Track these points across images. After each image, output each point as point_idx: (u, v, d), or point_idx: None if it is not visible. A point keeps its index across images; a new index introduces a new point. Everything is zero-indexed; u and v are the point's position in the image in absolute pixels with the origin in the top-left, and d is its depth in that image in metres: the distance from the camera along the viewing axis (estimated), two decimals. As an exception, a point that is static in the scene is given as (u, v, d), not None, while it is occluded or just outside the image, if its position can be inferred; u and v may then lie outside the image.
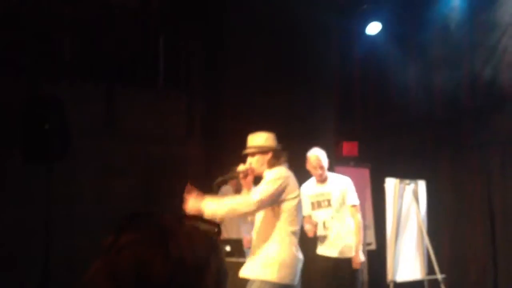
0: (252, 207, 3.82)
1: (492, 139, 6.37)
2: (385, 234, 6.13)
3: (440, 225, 6.64)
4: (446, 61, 6.73)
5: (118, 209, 5.69)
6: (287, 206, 3.94)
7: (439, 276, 5.87)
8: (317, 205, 5.29)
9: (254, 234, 4.08)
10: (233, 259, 5.13)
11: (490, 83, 6.46)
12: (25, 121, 5.30)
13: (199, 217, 1.04)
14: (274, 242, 3.90)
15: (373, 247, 6.97)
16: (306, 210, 5.27)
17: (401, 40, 6.95)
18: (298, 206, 4.02)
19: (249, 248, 5.88)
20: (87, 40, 6.33)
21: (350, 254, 5.12)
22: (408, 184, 6.19)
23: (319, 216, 5.24)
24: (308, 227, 5.15)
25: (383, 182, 6.14)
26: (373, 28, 7.00)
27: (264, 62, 6.75)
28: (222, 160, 6.13)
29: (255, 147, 4.12)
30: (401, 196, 6.11)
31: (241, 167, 4.09)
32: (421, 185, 6.35)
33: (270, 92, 6.33)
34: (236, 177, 4.18)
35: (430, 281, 6.13)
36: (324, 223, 5.22)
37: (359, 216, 5.24)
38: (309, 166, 5.23)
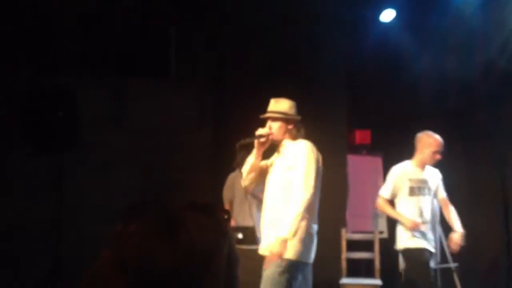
0: (312, 195, 3.78)
1: (506, 128, 6.31)
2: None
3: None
4: (460, 49, 6.66)
5: (127, 199, 5.72)
6: (316, 180, 3.88)
7: (452, 264, 5.85)
8: (417, 191, 5.07)
9: (268, 211, 3.97)
10: (245, 246, 5.15)
11: (504, 72, 6.39)
12: (33, 113, 5.33)
13: (208, 205, 1.04)
14: (302, 220, 3.80)
15: (385, 235, 6.95)
16: (401, 194, 5.06)
17: (415, 28, 6.88)
18: (318, 184, 3.92)
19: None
20: (96, 31, 6.33)
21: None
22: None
23: (416, 202, 5.03)
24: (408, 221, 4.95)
25: (396, 170, 6.11)
26: (387, 15, 6.94)
27: (275, 50, 6.71)
28: (232, 150, 6.13)
29: (279, 112, 3.96)
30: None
31: (261, 131, 3.95)
32: (434, 173, 6.31)
33: (282, 80, 6.30)
34: (254, 141, 4.01)
35: (442, 269, 6.11)
36: (421, 212, 5.02)
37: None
38: (427, 148, 5.02)
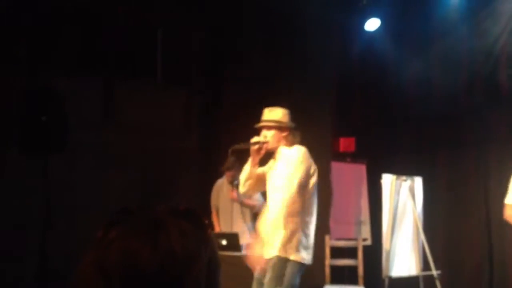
0: (291, 197, 3.85)
1: (490, 136, 6.37)
2: (381, 229, 6.14)
3: (436, 221, 6.66)
4: (445, 58, 6.72)
5: (116, 201, 5.69)
6: (309, 188, 3.94)
7: (434, 272, 5.88)
8: None
9: (269, 214, 4.01)
10: (229, 253, 5.14)
11: (489, 80, 6.46)
12: (23, 113, 5.29)
13: (189, 210, 1.04)
14: (293, 222, 3.88)
15: (368, 242, 6.98)
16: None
17: (400, 36, 6.94)
18: (314, 189, 4.00)
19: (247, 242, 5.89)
20: (86, 33, 6.30)
21: None
22: (405, 180, 6.20)
23: None
24: None
25: (379, 178, 6.14)
26: (372, 24, 6.99)
27: (263, 57, 6.73)
28: (220, 153, 6.13)
29: (272, 121, 4.03)
30: (397, 192, 6.12)
31: (256, 138, 4.02)
32: (418, 181, 6.36)
33: (268, 87, 6.32)
34: (249, 147, 4.06)
35: (425, 277, 6.14)
36: None
37: None
38: None
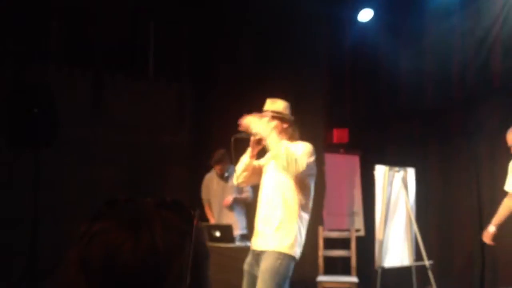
0: (300, 169, 3.75)
1: (482, 127, 6.40)
2: (374, 220, 6.18)
3: (428, 212, 6.70)
4: (437, 49, 6.74)
5: (105, 195, 5.67)
6: (309, 183, 3.94)
7: (427, 262, 5.92)
8: None
9: (263, 209, 4.01)
10: (222, 245, 5.16)
11: (480, 72, 6.48)
12: (12, 107, 5.25)
13: (175, 202, 1.04)
14: (291, 216, 3.87)
15: (362, 233, 7.02)
16: (508, 185, 4.81)
17: (393, 27, 6.94)
18: (312, 185, 3.99)
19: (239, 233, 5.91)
20: (76, 27, 6.26)
21: None
22: (398, 171, 6.22)
23: None
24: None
25: (373, 169, 6.17)
26: (365, 15, 6.99)
27: (254, 50, 6.73)
28: (211, 148, 6.13)
29: (275, 112, 4.02)
30: (390, 183, 6.15)
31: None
32: (411, 172, 6.39)
33: (260, 80, 6.31)
34: (249, 137, 4.00)
35: (417, 267, 6.19)
36: None
37: None
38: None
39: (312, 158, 3.89)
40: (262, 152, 4.12)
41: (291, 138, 4.02)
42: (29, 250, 5.19)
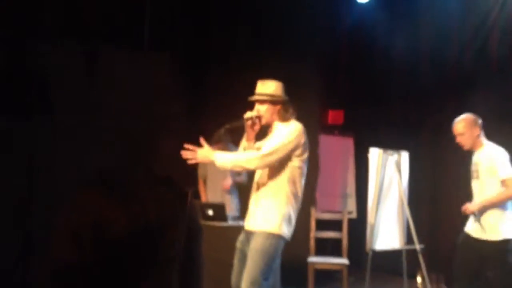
0: (257, 163, 3.80)
1: (476, 111, 6.38)
2: (366, 203, 6.18)
3: (421, 196, 6.71)
4: (434, 31, 6.70)
5: (98, 166, 5.64)
6: (299, 164, 3.92)
7: (417, 246, 5.95)
8: (471, 176, 4.84)
9: (256, 191, 4.02)
10: (215, 223, 5.15)
11: (477, 55, 6.45)
12: (4, 78, 5.21)
13: (168, 178, 1.03)
14: (279, 196, 3.89)
15: (354, 215, 7.03)
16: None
17: (389, 9, 6.88)
18: (304, 168, 3.97)
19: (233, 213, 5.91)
20: (71, 21, 6.18)
21: (495, 236, 4.56)
22: (392, 154, 6.22)
23: (473, 189, 4.82)
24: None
25: (367, 151, 6.16)
26: (363, -5, 6.92)
27: (250, 30, 6.67)
28: (207, 120, 6.11)
29: (265, 95, 3.98)
30: (384, 166, 6.14)
31: (249, 114, 3.99)
32: (404, 156, 6.38)
33: (256, 57, 6.26)
34: (243, 124, 4.03)
35: (408, 251, 6.21)
36: (473, 197, 4.79)
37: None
38: None
39: (289, 143, 3.86)
40: (261, 135, 4.11)
41: (283, 119, 4.00)
42: (24, 220, 5.18)
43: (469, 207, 4.71)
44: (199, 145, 3.83)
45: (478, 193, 4.76)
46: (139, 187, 0.98)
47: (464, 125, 4.75)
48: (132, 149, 6.31)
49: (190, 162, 3.81)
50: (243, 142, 4.10)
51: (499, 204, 4.60)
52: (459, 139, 4.80)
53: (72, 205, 0.97)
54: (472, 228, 4.78)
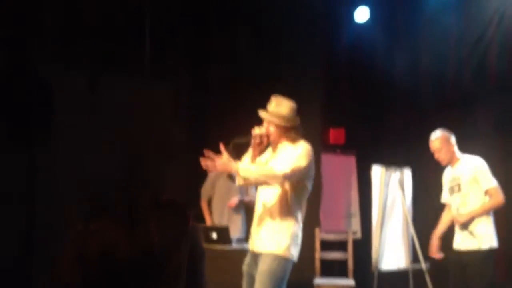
0: (280, 181, 3.71)
1: (477, 128, 6.37)
2: (371, 222, 6.14)
3: (425, 213, 6.65)
4: (434, 49, 6.72)
5: (101, 193, 5.61)
6: (307, 185, 3.88)
7: (424, 265, 5.89)
8: (450, 191, 4.92)
9: (261, 212, 3.95)
10: (218, 246, 5.10)
11: (476, 71, 6.47)
12: (7, 102, 5.21)
13: (171, 201, 1.05)
14: (288, 217, 3.82)
15: (358, 235, 6.97)
16: (444, 197, 5.00)
17: (389, 26, 6.92)
18: (310, 188, 3.92)
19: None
20: (72, 23, 6.21)
21: (479, 245, 4.61)
22: (394, 172, 6.19)
23: (453, 202, 4.87)
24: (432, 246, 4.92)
25: (369, 169, 6.13)
26: (362, 14, 6.95)
27: (250, 49, 6.68)
28: (208, 145, 6.08)
29: (279, 117, 3.87)
30: (387, 184, 6.12)
31: (257, 130, 3.88)
32: (407, 173, 6.35)
33: (256, 78, 6.27)
34: (249, 140, 3.91)
35: (414, 269, 6.15)
36: (457, 210, 4.79)
37: (499, 197, 4.60)
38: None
39: (309, 162, 3.83)
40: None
41: (293, 140, 3.91)
42: (25, 238, 5.14)
43: (458, 218, 4.73)
44: (219, 152, 3.73)
45: (461, 205, 4.78)
46: (142, 211, 1.00)
47: (440, 141, 4.88)
48: (135, 173, 6.29)
49: (209, 171, 3.72)
50: (245, 158, 4.02)
51: (486, 214, 4.65)
52: (437, 155, 4.90)
53: (77, 230, 0.99)
54: (457, 241, 4.81)
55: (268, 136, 3.91)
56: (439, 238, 5.00)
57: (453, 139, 4.89)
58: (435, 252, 4.99)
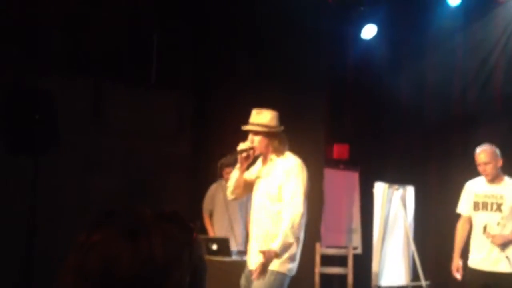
0: (299, 218, 3.76)
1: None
2: (372, 238, 6.14)
3: (426, 231, 6.65)
4: (439, 67, 6.74)
5: (103, 204, 5.63)
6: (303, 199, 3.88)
7: (424, 282, 5.87)
8: (482, 206, 4.76)
9: (256, 227, 3.95)
10: (219, 258, 5.11)
11: (482, 91, 6.48)
12: (11, 113, 5.22)
13: (174, 214, 1.04)
14: (292, 236, 3.79)
15: (359, 251, 6.96)
16: (466, 208, 4.88)
17: (394, 45, 6.95)
18: (305, 202, 3.91)
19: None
20: (77, 34, 6.25)
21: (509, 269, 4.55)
22: (397, 189, 6.19)
23: (480, 218, 4.74)
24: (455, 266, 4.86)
25: (372, 186, 6.14)
26: (369, 31, 6.99)
27: (255, 63, 6.72)
28: (211, 157, 6.10)
29: (260, 125, 3.87)
30: (389, 201, 6.12)
31: (242, 145, 3.87)
32: (410, 190, 6.36)
33: (261, 93, 6.30)
34: (236, 157, 3.91)
35: (414, 287, 6.13)
36: (485, 228, 4.68)
37: None
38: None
39: (303, 178, 3.83)
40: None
41: (277, 151, 3.90)
42: (26, 255, 5.14)
43: (499, 239, 4.60)
44: (204, 180, 3.81)
45: (496, 226, 4.65)
46: (145, 224, 0.99)
47: (489, 155, 4.70)
48: (138, 184, 6.31)
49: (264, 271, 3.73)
50: (234, 174, 4.01)
51: None
52: (483, 168, 4.73)
53: (79, 241, 0.98)
54: (489, 262, 4.70)
55: (254, 149, 3.89)
56: (460, 256, 4.89)
57: (500, 156, 4.73)
58: (459, 271, 4.88)
